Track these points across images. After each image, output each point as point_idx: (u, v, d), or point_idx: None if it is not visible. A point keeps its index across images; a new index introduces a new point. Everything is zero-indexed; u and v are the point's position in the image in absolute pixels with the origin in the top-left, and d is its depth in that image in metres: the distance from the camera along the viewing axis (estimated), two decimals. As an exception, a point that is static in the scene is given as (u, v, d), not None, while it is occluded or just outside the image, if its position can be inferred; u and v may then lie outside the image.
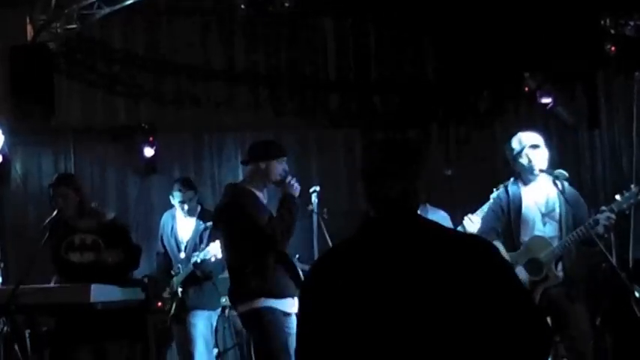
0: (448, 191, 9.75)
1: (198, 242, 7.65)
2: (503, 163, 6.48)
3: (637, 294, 6.79)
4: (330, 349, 2.85)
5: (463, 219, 7.02)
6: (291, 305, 5.88)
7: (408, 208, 2.98)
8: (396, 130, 10.38)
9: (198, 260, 7.47)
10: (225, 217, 6.12)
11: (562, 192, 5.97)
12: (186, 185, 7.93)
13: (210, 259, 7.33)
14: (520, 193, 6.15)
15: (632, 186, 5.85)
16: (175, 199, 7.91)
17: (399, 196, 2.95)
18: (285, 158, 6.15)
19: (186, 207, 7.87)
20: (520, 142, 6.11)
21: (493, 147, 9.68)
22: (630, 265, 7.48)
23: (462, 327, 2.76)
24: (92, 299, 5.74)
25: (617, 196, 5.84)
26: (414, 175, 2.99)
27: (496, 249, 3.02)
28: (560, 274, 5.97)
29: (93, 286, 5.76)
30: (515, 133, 6.32)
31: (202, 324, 7.75)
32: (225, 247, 6.25)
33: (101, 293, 5.86)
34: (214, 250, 7.23)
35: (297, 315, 3.00)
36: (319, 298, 2.93)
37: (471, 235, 3.73)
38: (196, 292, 7.73)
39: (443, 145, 10.47)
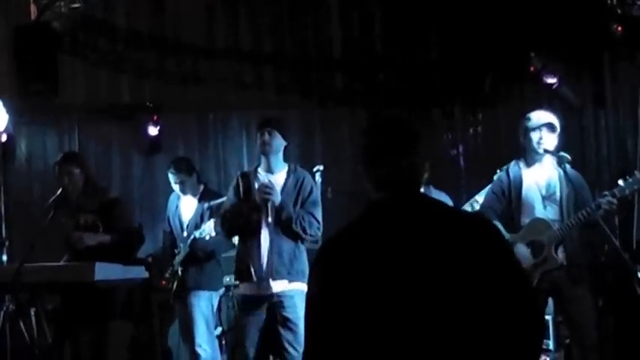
0: (452, 172, 9.75)
1: (199, 222, 7.65)
2: (508, 144, 6.47)
3: (640, 275, 6.80)
4: (340, 329, 2.87)
5: (467, 200, 7.03)
6: (245, 289, 6.30)
7: (411, 187, 3.00)
8: (401, 109, 10.37)
9: (194, 238, 7.51)
10: None
11: (564, 175, 5.96)
12: (178, 168, 7.92)
13: (205, 237, 7.35)
14: (521, 175, 6.14)
15: (636, 172, 5.83)
16: (170, 180, 7.96)
17: (402, 175, 2.97)
18: (261, 130, 6.31)
19: (178, 188, 7.90)
20: (539, 119, 6.09)
21: (497, 127, 9.66)
22: (634, 247, 7.48)
23: (463, 305, 2.79)
24: (96, 277, 5.73)
25: (620, 182, 5.82)
26: (416, 154, 3.00)
27: (497, 228, 3.05)
28: (560, 256, 5.96)
29: (97, 265, 5.75)
30: (520, 114, 6.32)
31: (203, 304, 7.76)
32: None
33: (105, 272, 5.85)
34: (209, 229, 7.27)
35: (306, 297, 3.02)
36: (327, 281, 2.95)
37: (474, 213, 3.75)
38: (197, 272, 7.74)
39: (447, 125, 10.45)
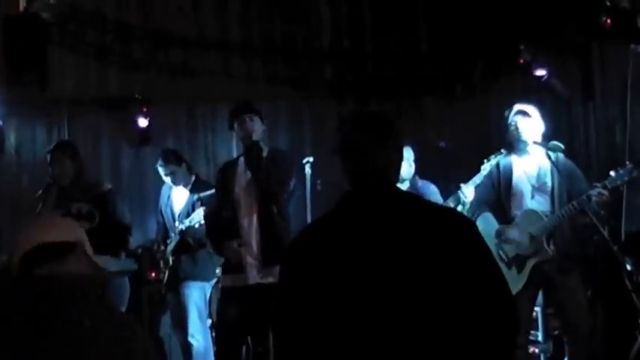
0: (441, 163, 9.74)
1: (190, 212, 7.66)
2: (497, 135, 6.49)
3: (628, 267, 6.82)
4: (308, 321, 2.88)
5: (456, 190, 7.04)
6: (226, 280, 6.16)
7: (386, 181, 3.00)
8: (390, 100, 10.38)
9: (184, 227, 7.52)
10: None
11: (555, 165, 5.97)
12: (167, 159, 7.94)
13: (194, 225, 7.34)
14: (511, 165, 6.17)
15: (627, 162, 5.85)
16: (161, 173, 7.98)
17: (376, 169, 2.97)
18: (241, 116, 6.07)
19: (169, 179, 7.92)
20: (512, 110, 6.15)
21: (487, 119, 9.66)
22: (622, 238, 7.48)
23: (435, 301, 2.78)
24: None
25: (612, 173, 5.83)
26: (391, 148, 3.02)
27: (473, 224, 3.03)
28: (552, 248, 5.97)
29: (85, 257, 5.69)
30: (506, 106, 6.35)
31: (196, 294, 7.76)
32: None
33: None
34: (198, 217, 7.26)
35: (277, 289, 3.02)
36: (297, 273, 2.96)
37: (450, 208, 3.73)
38: (189, 263, 7.74)
39: (437, 116, 10.45)
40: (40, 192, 6.48)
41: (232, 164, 6.29)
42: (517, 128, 6.09)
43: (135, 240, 7.67)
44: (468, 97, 10.03)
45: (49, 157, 6.71)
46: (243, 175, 6.09)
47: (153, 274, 8.58)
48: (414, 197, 3.13)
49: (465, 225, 2.96)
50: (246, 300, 5.92)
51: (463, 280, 2.80)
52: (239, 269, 5.96)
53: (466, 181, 6.75)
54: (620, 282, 6.44)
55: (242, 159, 6.16)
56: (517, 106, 6.16)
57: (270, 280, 5.81)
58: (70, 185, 6.59)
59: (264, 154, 6.05)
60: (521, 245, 5.96)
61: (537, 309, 7.11)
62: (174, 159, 7.95)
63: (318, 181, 7.19)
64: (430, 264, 2.80)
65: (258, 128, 6.08)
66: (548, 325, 7.24)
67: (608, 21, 7.37)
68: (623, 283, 6.39)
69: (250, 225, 5.97)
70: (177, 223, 7.81)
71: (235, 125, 6.11)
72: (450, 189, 8.32)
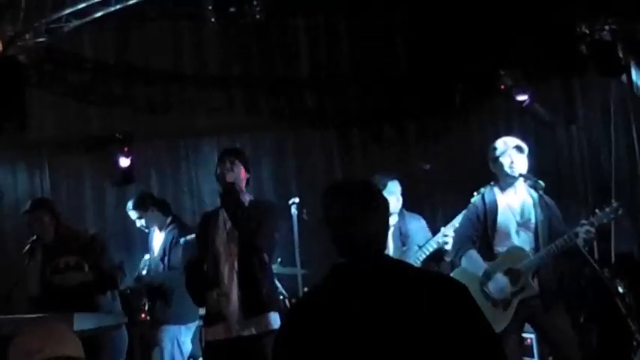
0: (425, 187, 9.74)
1: (162, 255, 7.67)
2: (480, 160, 6.46)
3: (620, 289, 6.82)
4: None
5: (443, 215, 7.01)
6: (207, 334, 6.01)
7: (374, 251, 2.99)
8: (371, 126, 10.38)
9: (138, 275, 7.56)
10: None
11: (538, 204, 5.97)
12: (134, 205, 8.07)
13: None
14: (496, 200, 6.14)
15: (613, 201, 5.87)
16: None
17: (364, 239, 2.96)
18: (221, 160, 5.92)
19: (139, 224, 7.96)
20: (505, 143, 6.11)
21: (470, 143, 9.65)
22: (612, 261, 7.49)
23: None
24: (75, 328, 5.64)
25: (598, 211, 5.83)
26: (378, 218, 3.01)
27: (465, 289, 3.00)
28: (535, 283, 5.94)
29: (75, 315, 5.67)
30: (490, 130, 6.32)
31: (167, 339, 7.71)
32: None
33: (84, 322, 5.77)
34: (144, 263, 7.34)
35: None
36: (293, 348, 2.92)
37: (441, 275, 3.69)
38: (162, 306, 7.72)
39: (419, 141, 10.44)
40: (26, 248, 6.45)
41: (213, 214, 6.13)
42: (512, 162, 6.05)
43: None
44: (450, 121, 10.02)
45: (27, 217, 6.66)
46: (223, 226, 5.97)
47: (142, 315, 8.54)
48: (404, 267, 3.08)
49: (456, 292, 2.95)
50: (229, 353, 5.78)
51: (458, 348, 2.79)
52: (219, 320, 5.82)
53: (450, 205, 6.73)
54: (613, 305, 6.43)
55: (223, 209, 6.00)
56: (512, 141, 6.12)
57: (252, 331, 5.72)
58: (54, 239, 6.57)
59: (246, 202, 5.94)
60: (505, 290, 5.94)
61: (532, 336, 7.10)
62: (141, 204, 8.01)
63: (304, 211, 7.17)
64: (425, 335, 2.79)
65: (238, 173, 5.91)
66: (542, 351, 7.22)
67: (589, 51, 7.39)
68: (616, 307, 6.38)
69: (230, 276, 5.82)
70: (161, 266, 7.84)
71: (217, 169, 6.01)
72: (435, 215, 8.33)
